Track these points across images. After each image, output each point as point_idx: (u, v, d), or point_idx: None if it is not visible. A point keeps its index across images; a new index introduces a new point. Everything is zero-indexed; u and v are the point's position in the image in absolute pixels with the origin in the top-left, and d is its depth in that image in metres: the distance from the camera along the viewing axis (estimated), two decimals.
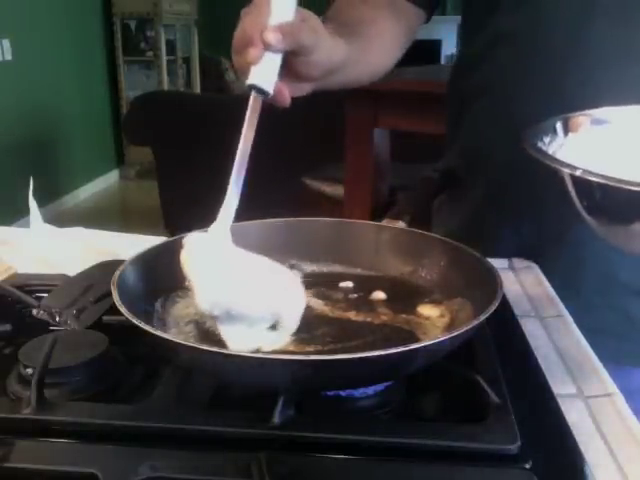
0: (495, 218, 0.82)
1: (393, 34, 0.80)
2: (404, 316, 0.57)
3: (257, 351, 0.49)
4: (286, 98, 0.59)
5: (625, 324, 0.77)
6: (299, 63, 0.59)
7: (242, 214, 0.57)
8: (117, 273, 0.53)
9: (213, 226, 0.52)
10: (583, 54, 0.71)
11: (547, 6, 0.73)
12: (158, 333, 0.45)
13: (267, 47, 0.55)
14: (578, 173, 0.46)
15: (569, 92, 0.69)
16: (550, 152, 0.53)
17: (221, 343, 0.51)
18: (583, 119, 0.58)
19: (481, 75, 0.81)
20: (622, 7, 0.69)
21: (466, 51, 0.87)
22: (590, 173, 0.46)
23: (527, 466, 0.41)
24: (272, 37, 0.54)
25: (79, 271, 0.67)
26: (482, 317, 0.46)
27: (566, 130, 0.57)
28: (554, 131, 0.56)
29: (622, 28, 0.69)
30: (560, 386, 0.53)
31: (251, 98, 0.56)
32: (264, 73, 0.56)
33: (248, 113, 0.55)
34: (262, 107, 0.56)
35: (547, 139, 0.55)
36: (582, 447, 0.44)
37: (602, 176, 0.45)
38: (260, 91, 0.56)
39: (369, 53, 0.76)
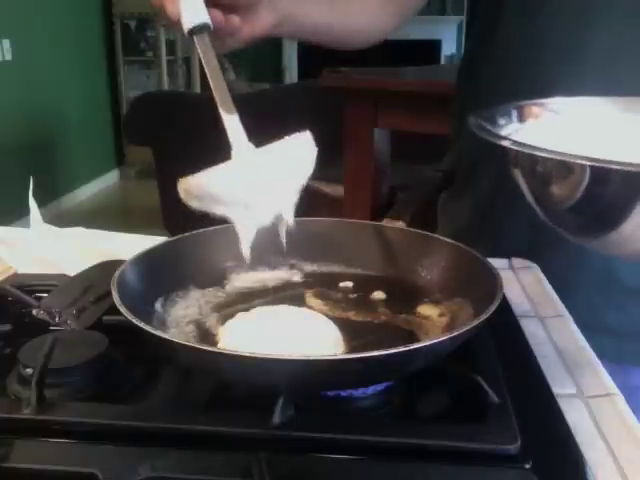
0: (498, 216, 0.82)
1: None
2: (404, 316, 0.57)
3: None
4: (238, 27, 0.60)
5: (626, 323, 0.77)
6: None
7: None
8: (117, 273, 0.52)
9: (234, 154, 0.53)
10: (584, 56, 0.71)
11: (549, 7, 0.73)
12: (158, 333, 0.45)
13: None
14: (506, 143, 0.46)
15: (568, 91, 0.70)
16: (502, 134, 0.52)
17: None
18: (537, 108, 0.57)
19: (484, 74, 0.81)
20: (624, 6, 0.69)
21: (470, 49, 0.87)
22: (526, 145, 0.45)
23: (527, 466, 0.41)
24: None
25: (79, 271, 0.67)
26: (482, 317, 0.46)
27: (520, 117, 0.56)
28: (509, 117, 0.56)
29: (625, 30, 0.69)
30: (560, 386, 0.53)
31: (195, 41, 0.56)
32: (192, 11, 0.56)
33: (201, 52, 0.55)
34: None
35: (502, 121, 0.55)
36: (582, 447, 0.44)
37: (533, 147, 0.45)
38: (199, 29, 0.56)
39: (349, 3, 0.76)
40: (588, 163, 0.42)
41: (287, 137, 0.53)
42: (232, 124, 0.53)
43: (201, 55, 0.55)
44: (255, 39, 0.65)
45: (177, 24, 0.58)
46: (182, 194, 0.51)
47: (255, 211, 0.51)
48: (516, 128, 0.55)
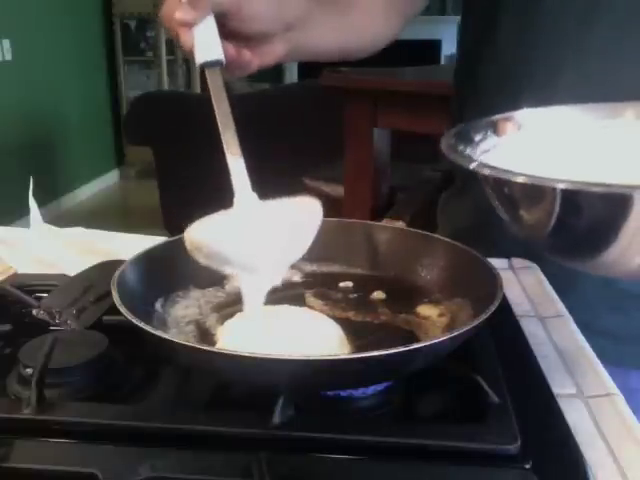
0: (498, 217, 0.82)
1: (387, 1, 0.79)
2: (404, 316, 0.57)
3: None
4: (248, 61, 0.60)
5: (625, 326, 0.77)
6: (234, 22, 0.59)
7: None
8: (117, 273, 0.52)
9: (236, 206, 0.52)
10: (584, 57, 0.71)
11: (549, 7, 0.73)
12: (158, 333, 0.45)
13: (186, 25, 0.55)
14: (472, 166, 0.44)
15: (568, 92, 0.70)
16: (478, 152, 0.51)
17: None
18: (512, 122, 0.55)
19: (481, 74, 0.81)
20: (625, 9, 0.69)
21: (466, 49, 0.87)
22: (494, 169, 0.43)
23: (527, 466, 0.41)
24: (184, 14, 0.55)
25: (79, 271, 0.67)
26: (482, 317, 0.46)
27: (496, 132, 0.54)
28: (485, 132, 0.54)
29: (624, 30, 0.69)
30: (560, 386, 0.53)
31: (207, 76, 0.56)
32: (205, 46, 0.56)
33: (212, 90, 0.55)
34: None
35: (478, 138, 0.53)
36: (582, 447, 0.44)
37: (494, 168, 0.43)
38: (212, 63, 0.56)
39: (352, 15, 0.76)
40: (560, 187, 0.39)
41: (294, 198, 0.53)
42: (237, 169, 0.53)
43: (212, 93, 0.55)
44: (263, 67, 0.65)
45: (190, 54, 0.57)
46: (188, 246, 0.51)
47: (259, 275, 0.51)
48: (494, 143, 0.53)
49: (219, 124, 0.54)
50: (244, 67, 0.61)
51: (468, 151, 0.50)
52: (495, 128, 0.54)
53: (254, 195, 0.53)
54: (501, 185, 0.45)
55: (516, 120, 0.56)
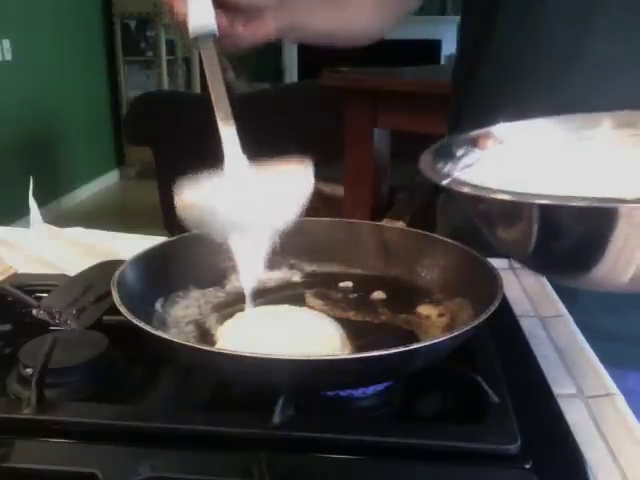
0: None
1: None
2: (404, 316, 0.57)
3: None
4: (241, 35, 0.60)
5: (625, 327, 0.77)
6: None
7: None
8: (117, 273, 0.52)
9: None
10: (582, 59, 0.70)
11: (548, 7, 0.73)
12: (158, 333, 0.45)
13: None
14: (445, 182, 0.43)
15: (566, 94, 0.69)
16: (460, 166, 0.51)
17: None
18: (492, 136, 0.55)
19: (480, 75, 0.81)
20: (621, 12, 0.69)
21: (464, 49, 0.87)
22: (466, 184, 0.42)
23: (527, 466, 0.41)
24: None
25: (79, 271, 0.67)
26: (482, 317, 0.46)
27: (479, 146, 0.54)
28: (467, 146, 0.53)
29: (624, 31, 0.69)
30: (560, 386, 0.53)
31: (200, 48, 0.56)
32: (199, 17, 0.56)
33: (205, 61, 0.55)
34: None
35: (460, 152, 0.52)
36: (582, 447, 0.44)
37: (473, 186, 0.42)
38: (206, 35, 0.56)
39: (343, 8, 0.78)
40: (540, 202, 0.38)
41: (285, 161, 0.53)
42: (228, 135, 0.53)
43: (205, 63, 0.55)
44: (255, 45, 0.65)
45: (182, 25, 0.57)
46: (179, 209, 0.51)
47: (249, 236, 0.51)
48: (477, 157, 0.53)
49: (212, 95, 0.54)
50: (237, 41, 0.61)
51: (449, 166, 0.49)
52: (476, 143, 0.54)
53: (244, 157, 0.53)
54: (477, 202, 0.44)
55: (497, 134, 0.55)
